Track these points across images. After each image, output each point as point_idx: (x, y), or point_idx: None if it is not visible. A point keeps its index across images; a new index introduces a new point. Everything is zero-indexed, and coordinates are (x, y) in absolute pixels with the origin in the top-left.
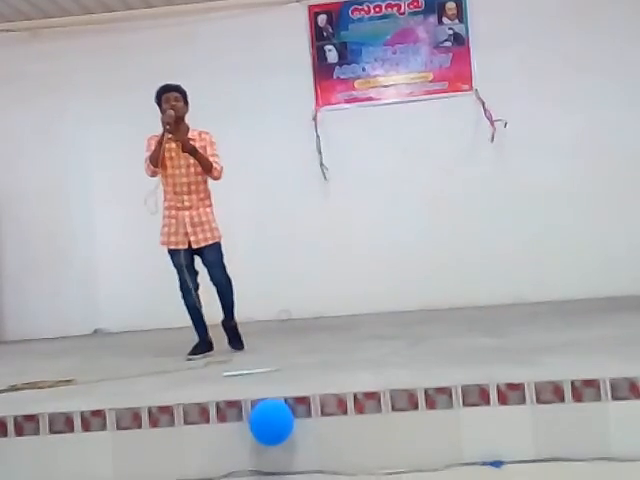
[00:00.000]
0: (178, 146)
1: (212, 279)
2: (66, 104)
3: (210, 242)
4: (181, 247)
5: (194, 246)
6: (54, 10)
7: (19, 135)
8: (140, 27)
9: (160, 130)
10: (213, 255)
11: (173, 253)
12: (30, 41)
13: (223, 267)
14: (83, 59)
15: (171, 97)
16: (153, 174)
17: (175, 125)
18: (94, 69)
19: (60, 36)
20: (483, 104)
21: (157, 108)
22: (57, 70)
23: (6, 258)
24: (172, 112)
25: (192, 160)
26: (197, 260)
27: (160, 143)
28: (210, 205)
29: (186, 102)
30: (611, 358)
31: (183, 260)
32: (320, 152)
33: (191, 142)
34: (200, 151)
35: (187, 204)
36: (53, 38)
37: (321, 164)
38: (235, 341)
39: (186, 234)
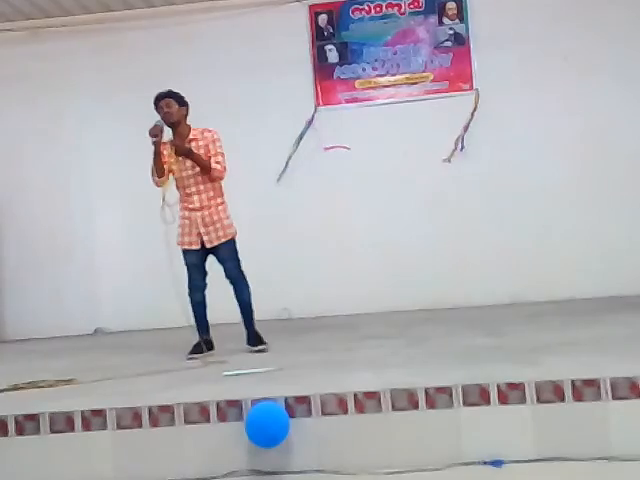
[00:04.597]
0: (173, 149)
1: (227, 275)
2: (67, 103)
3: (223, 240)
4: (194, 247)
5: (207, 245)
6: (54, 10)
7: (19, 134)
8: (140, 27)
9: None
10: (226, 251)
11: (186, 252)
12: (31, 41)
13: (237, 263)
14: (84, 59)
15: (162, 105)
16: (157, 184)
17: (175, 129)
18: (95, 69)
19: (60, 36)
20: (474, 109)
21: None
22: (58, 70)
23: (7, 257)
24: (160, 124)
25: None
26: (211, 259)
27: (156, 154)
28: (222, 203)
29: (182, 104)
30: (611, 357)
31: (195, 260)
32: (297, 147)
33: (192, 141)
34: (199, 152)
35: (198, 205)
36: (53, 38)
37: (287, 162)
38: (254, 339)
39: (199, 234)
